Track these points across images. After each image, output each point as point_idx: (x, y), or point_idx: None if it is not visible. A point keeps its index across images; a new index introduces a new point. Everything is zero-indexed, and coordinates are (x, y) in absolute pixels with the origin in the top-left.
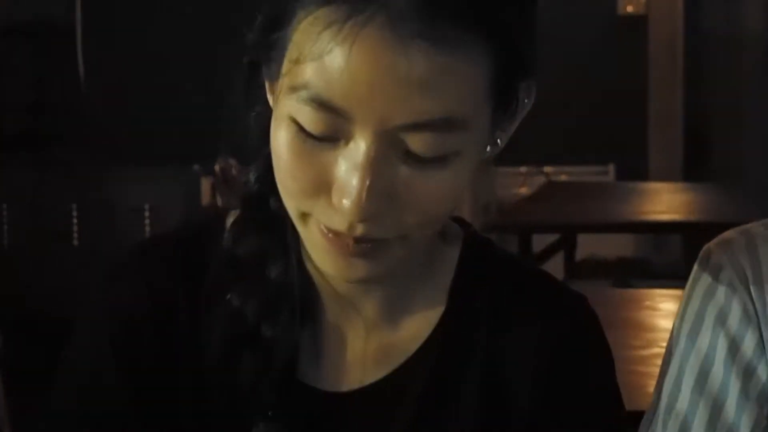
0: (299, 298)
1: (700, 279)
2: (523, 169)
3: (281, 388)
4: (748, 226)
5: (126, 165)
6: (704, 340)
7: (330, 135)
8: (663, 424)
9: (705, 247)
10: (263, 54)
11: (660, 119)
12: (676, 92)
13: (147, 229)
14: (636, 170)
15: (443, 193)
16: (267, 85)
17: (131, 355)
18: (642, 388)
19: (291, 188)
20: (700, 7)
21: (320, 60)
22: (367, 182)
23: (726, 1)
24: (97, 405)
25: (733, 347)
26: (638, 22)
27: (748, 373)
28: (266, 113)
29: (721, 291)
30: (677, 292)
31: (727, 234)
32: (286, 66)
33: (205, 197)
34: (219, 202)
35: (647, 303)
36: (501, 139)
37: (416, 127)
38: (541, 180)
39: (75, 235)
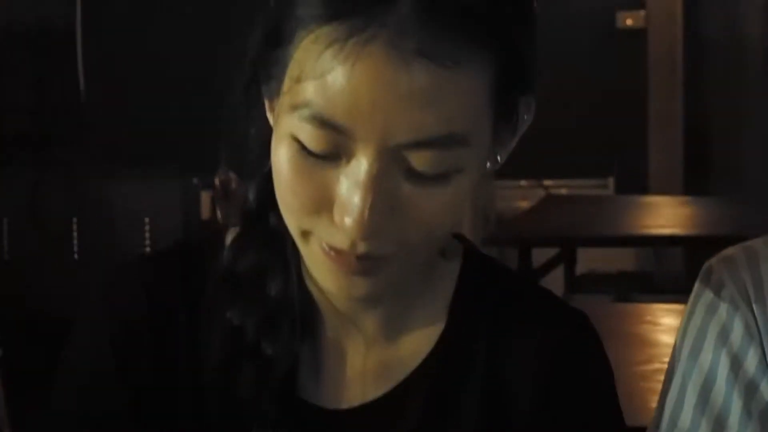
0: (299, 315)
1: (701, 295)
2: (522, 182)
3: (281, 405)
4: (750, 242)
5: (126, 176)
6: (706, 357)
7: (332, 153)
8: None
9: (706, 264)
10: (263, 71)
11: (659, 132)
12: (676, 105)
13: (147, 241)
14: (636, 183)
15: (445, 209)
16: (266, 102)
17: (131, 358)
18: (643, 404)
19: (292, 206)
20: (699, 18)
21: (322, 78)
22: (369, 200)
23: (725, 11)
24: (96, 407)
25: (736, 365)
26: (637, 36)
27: (750, 391)
28: (265, 130)
29: (723, 308)
30: (679, 306)
31: (729, 250)
32: (287, 84)
33: (205, 210)
34: (219, 215)
35: (648, 318)
36: (501, 155)
37: (418, 144)
38: (540, 193)
39: (75, 246)
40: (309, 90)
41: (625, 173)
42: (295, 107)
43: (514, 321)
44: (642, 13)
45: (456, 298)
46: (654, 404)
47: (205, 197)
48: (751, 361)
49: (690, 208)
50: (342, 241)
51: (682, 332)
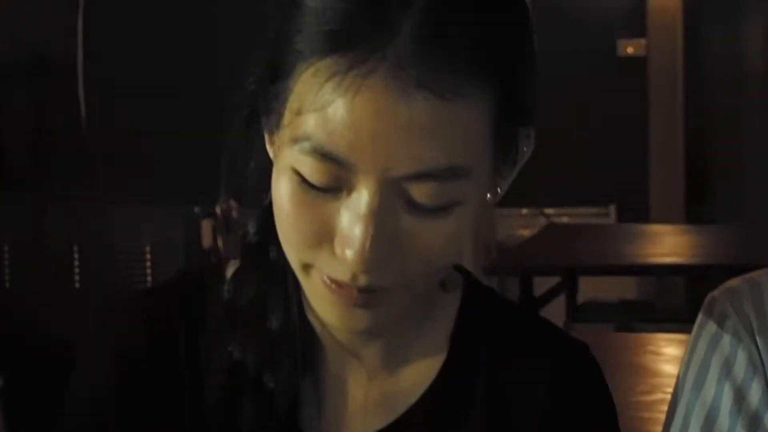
0: (300, 348)
1: (705, 327)
2: (524, 210)
3: None
4: (753, 274)
5: (127, 205)
6: (710, 389)
7: (332, 185)
8: None
9: (709, 296)
10: (263, 105)
11: (660, 160)
12: (677, 133)
13: (148, 270)
14: (637, 211)
15: (446, 242)
16: (266, 136)
17: (132, 392)
18: None
19: (293, 239)
20: (700, 46)
21: (322, 111)
22: (371, 232)
23: (726, 40)
24: None
25: (739, 397)
26: (638, 64)
27: (754, 423)
28: (265, 163)
29: (726, 340)
30: (681, 336)
31: (732, 282)
32: (287, 117)
33: (206, 239)
34: (220, 244)
35: (650, 347)
36: (501, 187)
37: (419, 176)
38: (541, 221)
39: (76, 275)
40: (309, 123)
41: (626, 201)
42: (295, 140)
43: (515, 352)
44: (643, 41)
45: (457, 329)
46: None
47: (207, 226)
48: (755, 394)
49: (691, 237)
50: (343, 274)
51: (686, 364)
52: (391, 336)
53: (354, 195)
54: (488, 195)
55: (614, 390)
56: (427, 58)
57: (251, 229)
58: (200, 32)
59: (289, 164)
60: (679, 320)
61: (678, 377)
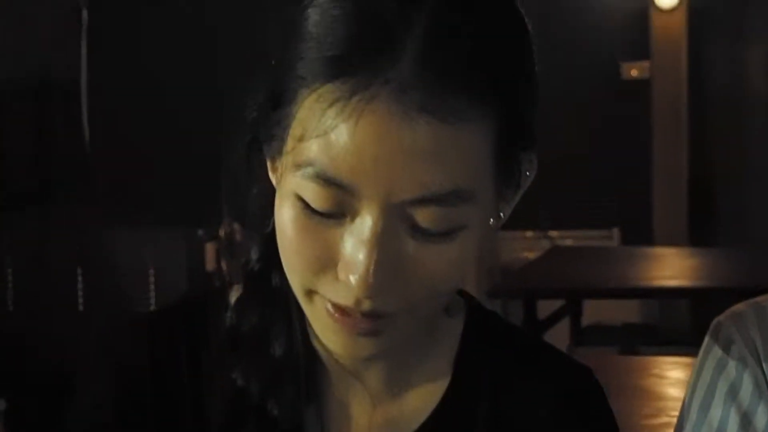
0: (304, 375)
1: (710, 352)
2: (527, 233)
3: None
4: (759, 299)
5: (130, 228)
6: (716, 413)
7: (336, 211)
8: None
9: (715, 320)
10: (264, 132)
11: (664, 182)
12: (680, 156)
13: (152, 292)
14: (641, 233)
15: (450, 267)
16: (268, 163)
17: (133, 418)
18: None
19: (296, 265)
20: (703, 69)
21: (325, 136)
22: (374, 257)
23: (730, 63)
24: None
25: (745, 421)
26: (642, 86)
27: None
28: (267, 190)
29: (732, 365)
30: (685, 359)
31: (738, 307)
32: (290, 143)
33: (210, 262)
34: (223, 267)
35: (655, 371)
36: (504, 212)
37: (423, 201)
38: (545, 244)
39: (80, 297)
40: (312, 148)
41: (630, 224)
42: (298, 166)
43: (518, 377)
44: (647, 64)
45: (460, 354)
46: None
47: (210, 249)
48: (761, 418)
49: (695, 260)
50: (346, 299)
51: (692, 388)
52: (394, 360)
53: (357, 220)
54: (491, 220)
55: (618, 413)
56: (429, 82)
57: (254, 255)
58: (203, 57)
59: (292, 190)
60: (682, 343)
61: (684, 401)
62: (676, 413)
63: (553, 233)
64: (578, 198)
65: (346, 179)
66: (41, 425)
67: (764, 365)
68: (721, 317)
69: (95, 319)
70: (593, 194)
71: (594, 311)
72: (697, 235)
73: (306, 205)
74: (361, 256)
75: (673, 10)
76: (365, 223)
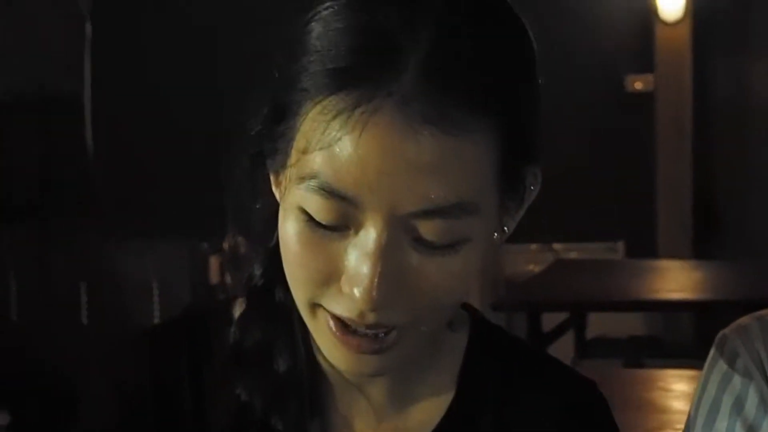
0: (308, 390)
1: (716, 365)
2: (532, 246)
3: None
4: (763, 312)
5: (134, 241)
6: (721, 426)
7: (340, 224)
8: None
9: (720, 333)
10: (268, 145)
11: (668, 195)
12: (685, 168)
13: (156, 305)
14: (645, 246)
15: (454, 280)
16: (272, 177)
17: None
18: None
19: (300, 278)
20: (708, 82)
21: (329, 148)
22: (378, 270)
23: (734, 76)
24: None
25: None
26: (646, 99)
27: None
28: (270, 205)
29: (737, 378)
30: (690, 372)
31: (743, 320)
32: (293, 156)
33: (214, 275)
34: (228, 280)
35: (660, 384)
36: (509, 226)
37: (427, 213)
38: (549, 257)
39: (84, 310)
40: (316, 161)
41: (634, 237)
42: (302, 179)
43: (523, 391)
44: (651, 76)
45: (464, 368)
46: None
47: (214, 261)
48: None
49: (699, 273)
50: (350, 311)
51: (697, 401)
52: (398, 374)
53: (361, 233)
54: (495, 234)
55: (623, 427)
56: (432, 94)
57: (257, 271)
58: (207, 69)
59: (296, 203)
60: (686, 356)
61: (689, 414)
62: (681, 426)
63: (557, 246)
64: (582, 211)
65: (349, 191)
66: None
67: None
68: (726, 330)
69: (99, 332)
70: (597, 207)
71: (598, 324)
72: (701, 248)
73: (310, 218)
74: (365, 268)
75: (677, 22)
76: (369, 236)
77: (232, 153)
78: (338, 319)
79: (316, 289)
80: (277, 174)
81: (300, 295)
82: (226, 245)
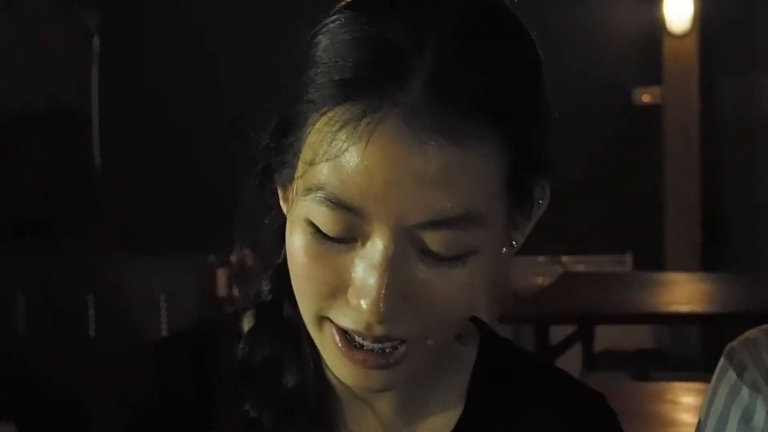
0: (317, 406)
1: (724, 377)
2: (539, 258)
3: None
4: None
5: (141, 254)
6: None
7: (347, 235)
8: None
9: (728, 346)
10: (276, 159)
11: (676, 207)
12: (692, 180)
13: (163, 318)
14: (653, 258)
15: (461, 292)
16: (280, 192)
17: None
18: None
19: (308, 291)
20: (715, 95)
21: (335, 159)
22: (385, 281)
23: (742, 89)
24: None
25: None
26: (654, 112)
27: None
28: (279, 220)
29: (746, 391)
30: (698, 385)
31: (751, 333)
32: (300, 168)
33: (221, 287)
34: (235, 293)
35: (668, 396)
36: (517, 240)
37: (433, 224)
38: (557, 269)
39: (91, 323)
40: (323, 172)
41: (642, 249)
42: (309, 190)
43: (532, 405)
44: (658, 89)
45: (473, 382)
46: None
47: (221, 274)
48: None
49: (707, 285)
50: (357, 323)
51: (705, 414)
52: (406, 388)
53: (368, 244)
54: (504, 248)
55: None
56: (438, 104)
57: (265, 286)
58: (214, 84)
59: (303, 215)
60: (694, 368)
61: (697, 427)
62: None
63: (565, 259)
64: (590, 223)
65: (356, 202)
66: None
67: None
68: (734, 343)
69: (106, 346)
70: (605, 220)
71: (606, 337)
72: (708, 260)
73: (317, 230)
74: (372, 280)
75: (684, 35)
76: (376, 247)
77: (240, 168)
78: (344, 334)
79: (323, 302)
80: (285, 188)
81: (307, 309)
82: (233, 258)
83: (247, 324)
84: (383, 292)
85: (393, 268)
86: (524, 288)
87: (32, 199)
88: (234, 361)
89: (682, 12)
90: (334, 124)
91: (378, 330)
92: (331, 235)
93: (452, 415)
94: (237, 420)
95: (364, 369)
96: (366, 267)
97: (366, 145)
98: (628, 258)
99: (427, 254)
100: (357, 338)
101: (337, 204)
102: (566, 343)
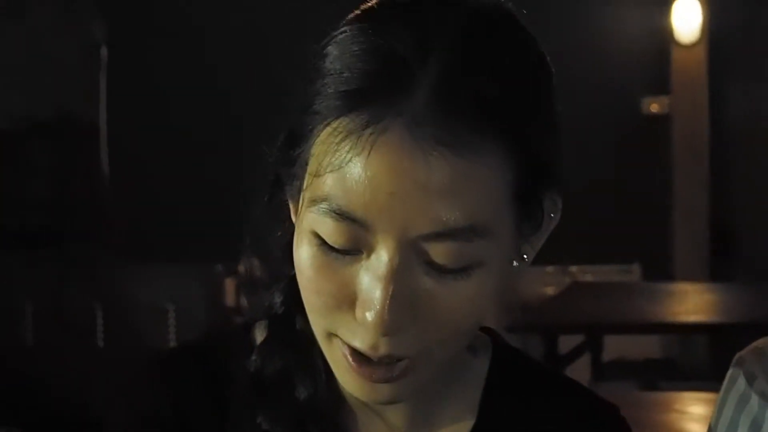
0: (329, 418)
1: (733, 387)
2: (548, 268)
3: None
4: None
5: (149, 264)
6: None
7: (352, 247)
8: None
9: (737, 355)
10: (286, 172)
11: (685, 217)
12: (701, 190)
13: (171, 328)
14: (661, 268)
15: (467, 306)
16: (291, 205)
17: None
18: None
19: (315, 304)
20: (724, 104)
21: (339, 170)
22: (390, 293)
23: (751, 99)
24: None
25: None
26: (662, 121)
27: None
28: (290, 233)
29: (755, 400)
30: (707, 395)
31: (759, 343)
32: (307, 180)
33: (229, 297)
34: (243, 303)
35: (677, 406)
36: (528, 255)
37: (438, 236)
38: (566, 280)
39: (99, 333)
40: (328, 183)
41: (650, 259)
42: (314, 201)
43: (546, 417)
44: (667, 98)
45: (485, 393)
46: None
47: (229, 284)
48: None
49: (715, 295)
50: (363, 341)
51: (714, 423)
52: (418, 399)
53: (373, 256)
54: (514, 262)
55: None
56: (444, 115)
57: (277, 298)
58: (223, 94)
59: (308, 227)
60: (702, 378)
61: None
62: None
63: (573, 268)
64: (598, 233)
65: (360, 213)
66: None
67: None
68: (743, 352)
69: (114, 356)
70: (613, 229)
71: (614, 347)
72: (717, 270)
73: (323, 242)
74: (377, 292)
75: (693, 45)
76: (381, 259)
77: (250, 180)
78: (354, 349)
79: (331, 318)
80: (294, 202)
81: (317, 324)
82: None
83: (259, 335)
84: (388, 303)
85: (398, 280)
86: (533, 297)
87: (40, 209)
88: (246, 373)
89: (691, 22)
90: (338, 135)
91: (382, 349)
92: (336, 246)
93: (465, 427)
94: (250, 430)
95: (371, 382)
96: (371, 279)
97: (368, 155)
98: (637, 268)
99: (432, 266)
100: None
101: (341, 215)
102: (575, 353)
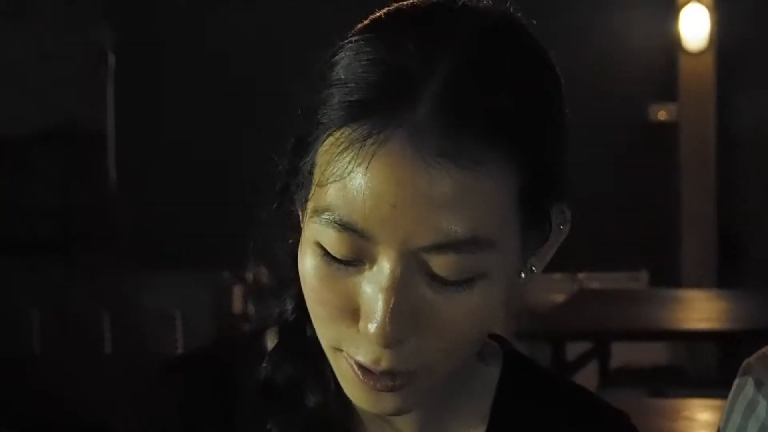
0: (339, 425)
1: (741, 393)
2: (555, 275)
3: None
4: None
5: (156, 271)
6: None
7: (354, 258)
8: None
9: (745, 362)
10: (293, 181)
11: (692, 225)
12: (709, 197)
13: (178, 335)
14: (669, 275)
15: (469, 317)
16: (300, 214)
17: None
18: None
19: (320, 315)
20: (732, 112)
21: (341, 181)
22: (392, 304)
23: (759, 106)
24: None
25: None
26: (670, 128)
27: None
28: (297, 241)
29: (762, 407)
30: (715, 402)
31: (767, 349)
32: (312, 190)
33: (236, 304)
34: (250, 310)
35: (684, 413)
36: (537, 266)
37: (439, 247)
38: (573, 287)
39: (106, 340)
40: (330, 193)
41: (658, 266)
42: (317, 212)
43: (556, 425)
44: (674, 106)
45: (496, 402)
46: None
47: (236, 291)
48: None
49: (723, 302)
50: (366, 354)
51: (722, 429)
52: (428, 408)
53: (375, 267)
54: (522, 273)
55: None
56: (447, 126)
57: (288, 306)
58: (230, 102)
59: (312, 237)
60: (710, 385)
61: None
62: None
63: (581, 275)
64: (606, 240)
65: (361, 224)
66: None
67: None
68: (750, 359)
69: (122, 364)
70: (621, 237)
71: (622, 354)
72: (724, 277)
73: (326, 253)
74: (379, 303)
75: (701, 52)
76: (383, 270)
77: (257, 188)
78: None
79: (336, 331)
80: (302, 209)
81: (323, 336)
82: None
83: (269, 343)
84: (389, 314)
85: (400, 291)
86: (540, 305)
87: (47, 217)
88: (256, 381)
89: (699, 29)
90: (340, 145)
91: (385, 363)
92: (339, 257)
93: None
94: None
95: (375, 393)
96: (373, 290)
97: (369, 165)
98: (644, 275)
99: (434, 278)
100: None
101: (343, 226)
102: (582, 360)
